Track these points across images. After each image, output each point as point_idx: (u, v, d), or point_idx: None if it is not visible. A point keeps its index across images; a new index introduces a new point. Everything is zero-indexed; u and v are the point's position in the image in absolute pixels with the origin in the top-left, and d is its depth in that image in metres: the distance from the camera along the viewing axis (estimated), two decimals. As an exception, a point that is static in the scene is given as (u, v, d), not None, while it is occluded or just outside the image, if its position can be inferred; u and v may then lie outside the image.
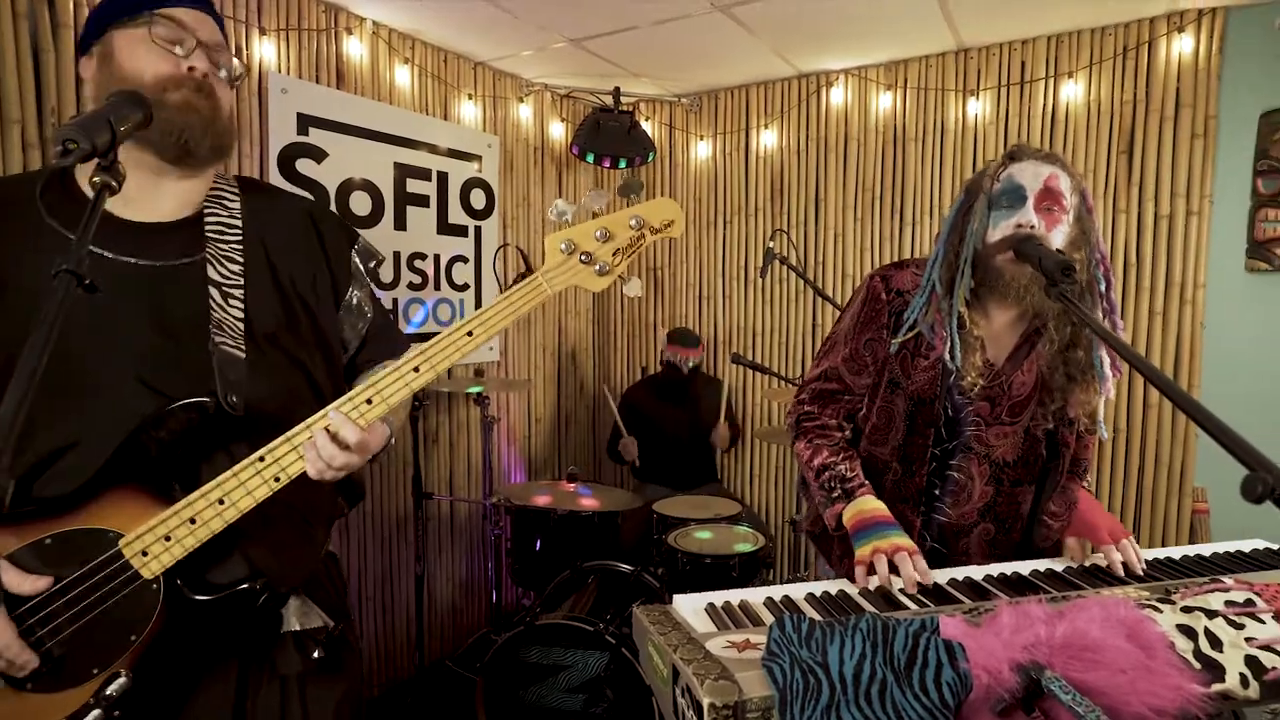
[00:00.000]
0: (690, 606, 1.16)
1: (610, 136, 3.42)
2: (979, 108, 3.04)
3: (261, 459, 0.98)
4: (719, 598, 1.21)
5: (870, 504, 1.35)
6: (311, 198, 2.53)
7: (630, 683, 2.20)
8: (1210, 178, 2.69)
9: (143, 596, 0.97)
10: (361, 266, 1.24)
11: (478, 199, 3.26)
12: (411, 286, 3.00)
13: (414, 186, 2.97)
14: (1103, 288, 1.29)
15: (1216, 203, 2.69)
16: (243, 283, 1.10)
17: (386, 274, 2.90)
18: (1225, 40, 2.65)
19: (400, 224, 2.93)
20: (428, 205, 3.03)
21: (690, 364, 3.33)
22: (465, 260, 3.23)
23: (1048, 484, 1.40)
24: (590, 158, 3.45)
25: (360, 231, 2.74)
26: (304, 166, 2.55)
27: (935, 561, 1.41)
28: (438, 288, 3.10)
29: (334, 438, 0.98)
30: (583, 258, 1.07)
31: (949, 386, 1.34)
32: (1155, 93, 2.75)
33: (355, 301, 1.23)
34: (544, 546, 2.69)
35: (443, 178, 3.09)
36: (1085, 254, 1.28)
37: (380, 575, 2.95)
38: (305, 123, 2.53)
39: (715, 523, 2.73)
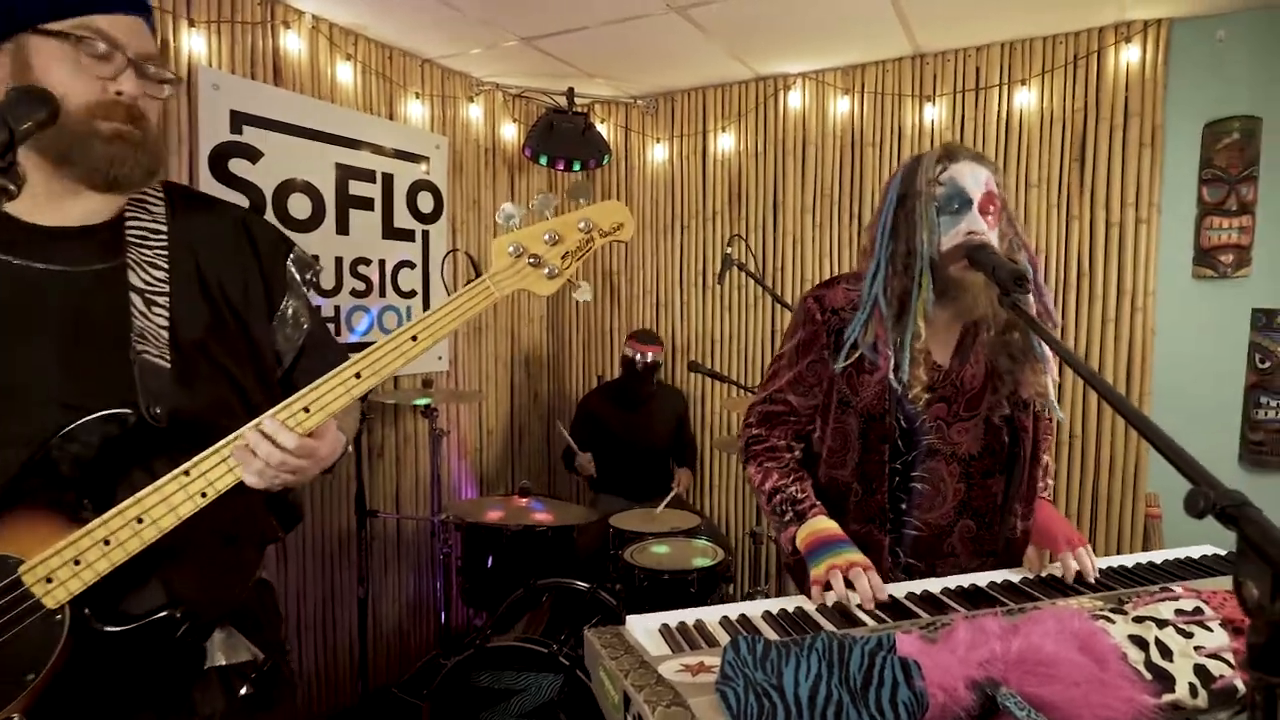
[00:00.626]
0: (644, 627, 1.16)
1: (564, 138, 3.41)
2: (935, 113, 3.12)
3: (187, 472, 0.95)
4: (674, 618, 1.20)
5: (822, 524, 1.36)
6: (245, 205, 2.50)
7: (585, 707, 2.17)
8: (1158, 186, 2.79)
9: (44, 630, 0.91)
10: (298, 276, 1.22)
11: (425, 202, 3.22)
12: (355, 293, 2.94)
13: (357, 189, 2.92)
14: (1030, 273, 1.33)
15: (1164, 211, 2.80)
16: (167, 289, 1.07)
17: (328, 280, 2.84)
18: (1170, 51, 2.76)
19: (343, 228, 2.87)
20: (372, 208, 2.99)
21: (648, 359, 3.33)
22: (412, 266, 3.18)
23: (1014, 472, 1.42)
24: (543, 160, 3.43)
25: (299, 237, 2.70)
26: (238, 167, 2.49)
27: (912, 577, 1.43)
28: (383, 295, 3.05)
29: (269, 439, 0.96)
30: (531, 260, 1.07)
31: (899, 398, 1.36)
32: (1105, 101, 2.85)
33: (290, 312, 1.21)
34: (496, 564, 2.66)
35: (388, 180, 3.04)
36: (1024, 255, 1.34)
37: (322, 598, 2.88)
38: (239, 121, 2.47)
39: (673, 536, 2.73)
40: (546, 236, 1.08)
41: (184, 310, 1.07)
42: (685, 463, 3.51)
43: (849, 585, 1.24)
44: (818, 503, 1.41)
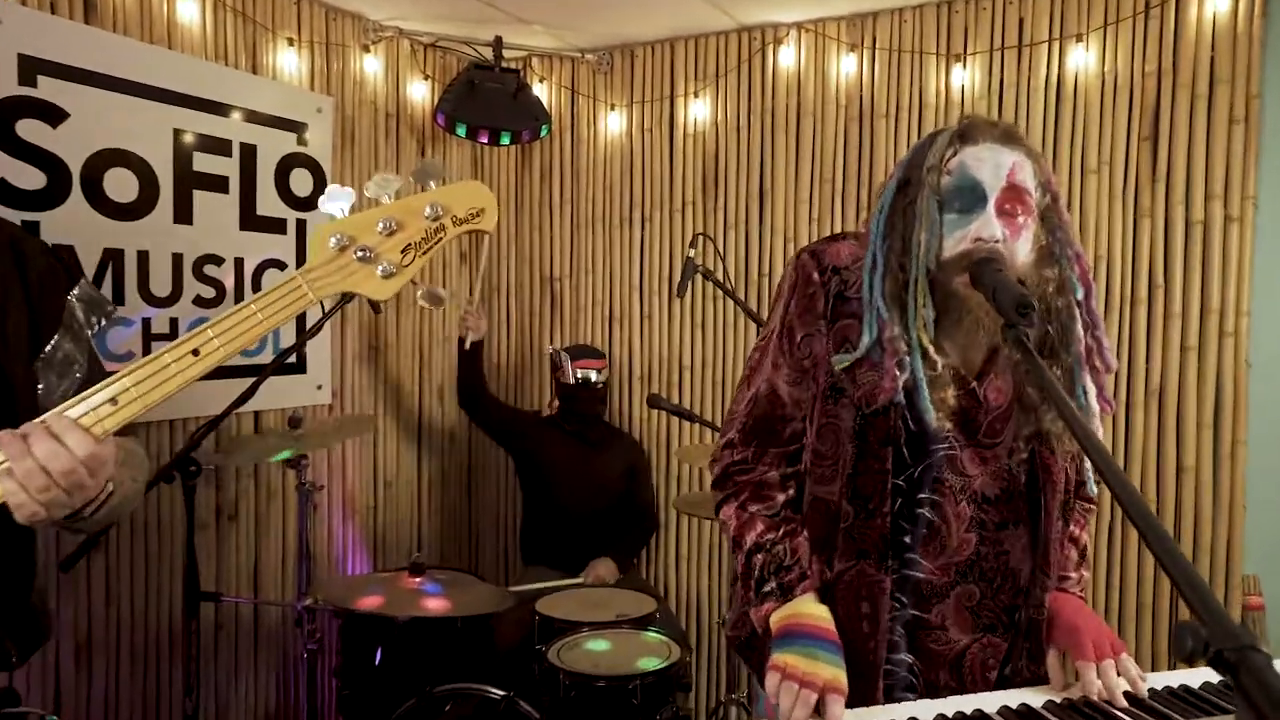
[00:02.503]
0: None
1: (489, 101, 3.40)
2: (965, 77, 3.10)
3: None
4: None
5: (809, 608, 1.35)
6: (42, 181, 2.44)
7: None
8: (1254, 174, 2.76)
9: None
10: (80, 317, 1.27)
11: (301, 182, 3.15)
12: (200, 302, 2.86)
13: (205, 164, 2.85)
14: (1079, 295, 1.33)
15: (1261, 207, 2.76)
16: None
17: (162, 286, 2.76)
18: (1270, -1, 2.74)
19: (183, 215, 2.80)
20: (225, 190, 2.93)
21: (592, 378, 3.41)
22: (282, 266, 3.11)
23: (1038, 530, 1.41)
24: (462, 130, 3.43)
25: (121, 226, 2.61)
26: (30, 131, 2.41)
27: (914, 636, 1.42)
28: (239, 303, 2.94)
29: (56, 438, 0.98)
30: (360, 254, 1.08)
31: (912, 388, 1.35)
32: (1184, 64, 2.82)
33: (61, 355, 1.24)
34: (385, 664, 2.61)
35: (249, 153, 2.98)
36: (1058, 268, 1.33)
37: (141, 712, 2.78)
38: (32, 68, 2.39)
39: (617, 627, 2.69)
40: (381, 225, 1.09)
41: None
42: (628, 538, 3.48)
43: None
44: (810, 573, 1.40)
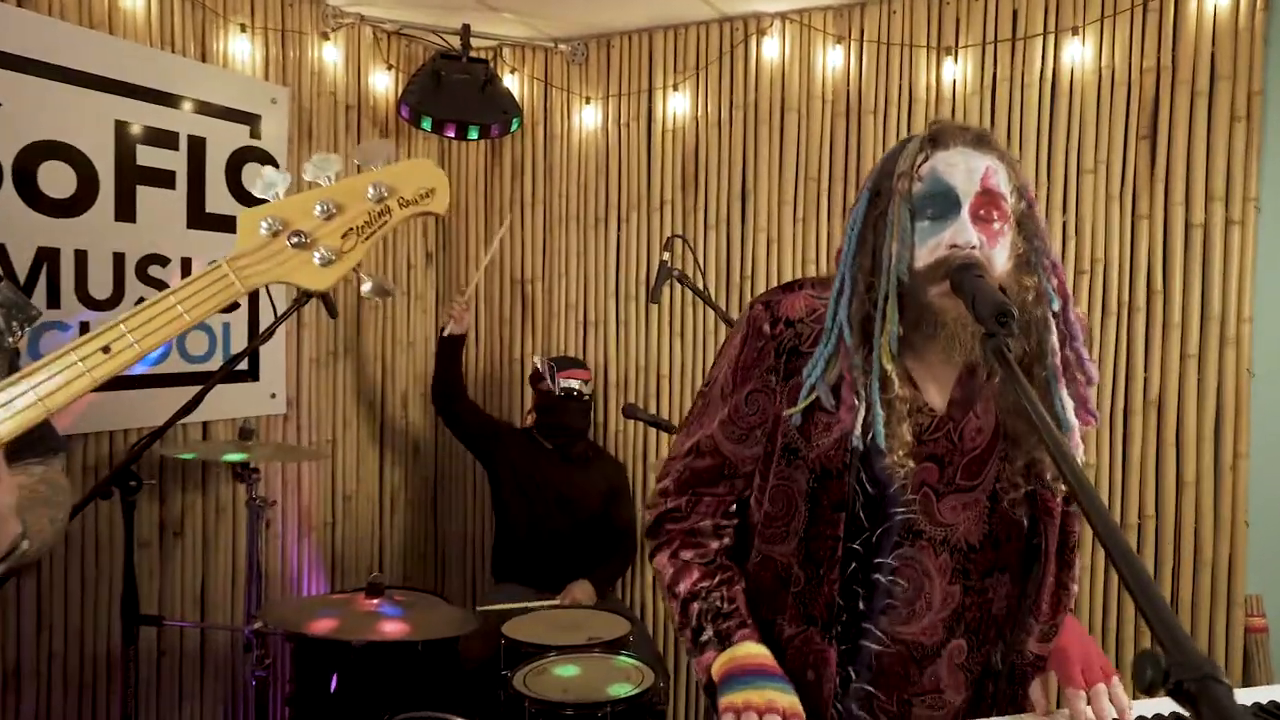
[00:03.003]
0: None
1: (456, 94, 3.39)
2: (957, 71, 3.11)
3: None
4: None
5: (749, 649, 1.35)
6: None
7: None
8: (1256, 174, 2.77)
9: None
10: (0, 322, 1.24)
11: (254, 178, 3.07)
12: None
13: (150, 158, 2.85)
14: (1056, 307, 1.32)
15: (1264, 209, 2.77)
16: None
17: (102, 288, 2.73)
18: (1273, -7, 2.76)
19: (126, 213, 2.80)
20: (172, 185, 2.93)
21: (574, 388, 3.38)
22: None
23: (1034, 571, 1.39)
24: (427, 123, 3.41)
25: (57, 224, 2.60)
26: None
27: (871, 713, 1.40)
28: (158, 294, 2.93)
29: None
30: (294, 240, 1.05)
31: (869, 451, 1.34)
32: (1184, 59, 2.83)
33: None
34: (341, 690, 2.58)
35: (198, 146, 2.98)
36: (1036, 278, 1.32)
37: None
38: None
39: (587, 651, 2.68)
40: (319, 208, 1.06)
41: None
42: (608, 563, 3.47)
43: None
44: (749, 620, 1.40)
